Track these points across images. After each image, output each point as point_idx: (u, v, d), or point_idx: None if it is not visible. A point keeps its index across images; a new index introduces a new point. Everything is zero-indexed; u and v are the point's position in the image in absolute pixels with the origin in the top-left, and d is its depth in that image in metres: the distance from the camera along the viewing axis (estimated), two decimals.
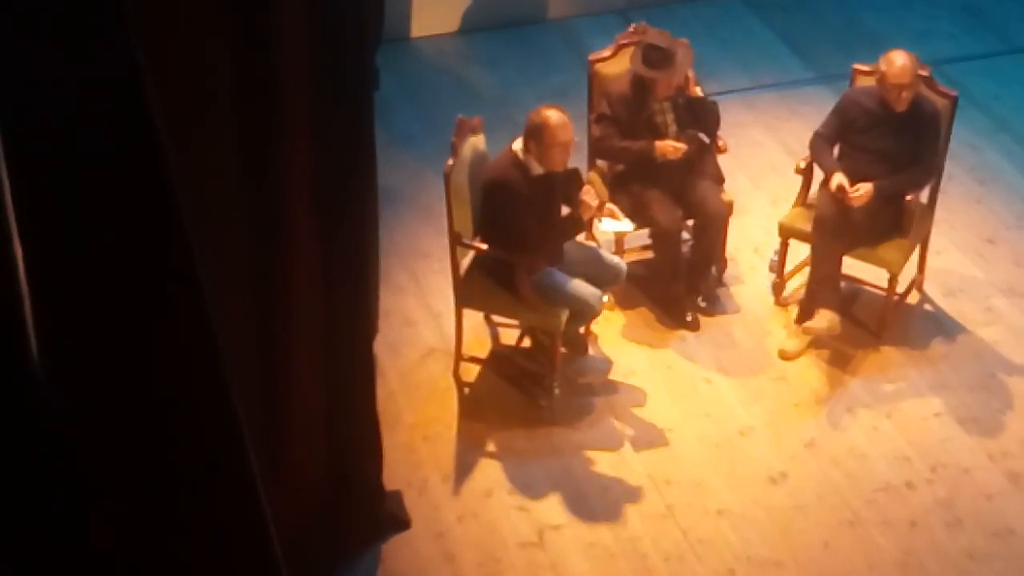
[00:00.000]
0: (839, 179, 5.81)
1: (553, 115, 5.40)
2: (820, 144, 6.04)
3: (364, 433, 5.01)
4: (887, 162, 5.90)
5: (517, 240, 5.51)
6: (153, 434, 3.12)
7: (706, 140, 6.10)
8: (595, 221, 5.71)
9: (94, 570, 3.21)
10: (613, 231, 5.81)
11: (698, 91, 6.12)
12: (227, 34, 3.57)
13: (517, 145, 5.50)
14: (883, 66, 5.79)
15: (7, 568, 3.07)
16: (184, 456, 3.17)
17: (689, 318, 6.24)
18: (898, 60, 5.77)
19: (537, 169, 5.48)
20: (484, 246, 5.61)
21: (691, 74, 6.10)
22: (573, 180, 5.65)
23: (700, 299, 6.32)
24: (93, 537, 3.18)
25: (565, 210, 5.65)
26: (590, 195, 5.56)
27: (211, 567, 3.34)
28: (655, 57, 5.89)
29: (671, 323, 6.25)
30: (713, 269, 6.39)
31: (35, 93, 2.72)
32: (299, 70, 3.89)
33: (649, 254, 6.40)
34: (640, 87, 5.97)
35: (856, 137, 5.97)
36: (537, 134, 5.41)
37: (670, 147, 5.91)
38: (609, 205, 5.66)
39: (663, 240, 6.13)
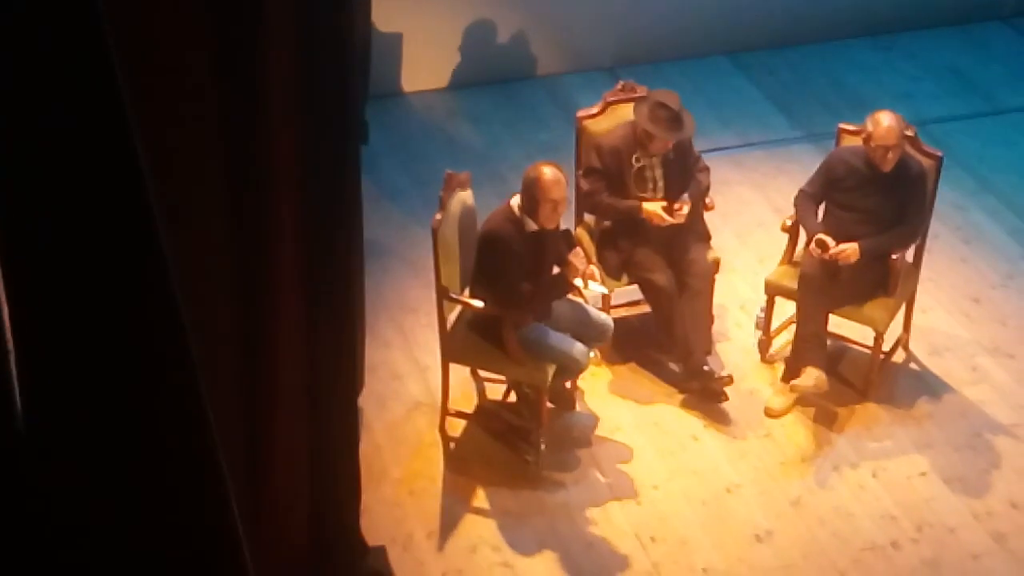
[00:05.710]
0: (818, 241, 5.84)
1: (547, 171, 5.41)
2: (805, 202, 6.06)
3: (346, 487, 4.97)
4: (873, 221, 5.93)
5: (506, 294, 5.51)
6: (133, 485, 3.09)
7: (687, 204, 6.01)
8: (579, 283, 5.64)
9: None
10: (595, 293, 5.77)
11: (695, 152, 6.14)
12: (215, 90, 3.58)
13: (515, 200, 5.51)
14: (870, 126, 5.82)
15: None
16: (163, 504, 3.14)
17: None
18: (884, 121, 5.80)
19: (531, 226, 5.48)
20: (472, 301, 5.61)
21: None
22: (564, 240, 5.66)
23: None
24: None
25: (555, 269, 5.65)
26: (579, 258, 5.56)
27: None
28: (664, 116, 5.85)
29: (664, 382, 6.22)
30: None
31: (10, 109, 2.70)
32: (287, 127, 3.90)
33: (637, 309, 6.39)
34: (633, 140, 5.97)
35: (842, 196, 6.00)
36: (529, 188, 5.43)
37: (656, 215, 5.92)
38: (591, 267, 5.63)
39: (659, 299, 6.09)
